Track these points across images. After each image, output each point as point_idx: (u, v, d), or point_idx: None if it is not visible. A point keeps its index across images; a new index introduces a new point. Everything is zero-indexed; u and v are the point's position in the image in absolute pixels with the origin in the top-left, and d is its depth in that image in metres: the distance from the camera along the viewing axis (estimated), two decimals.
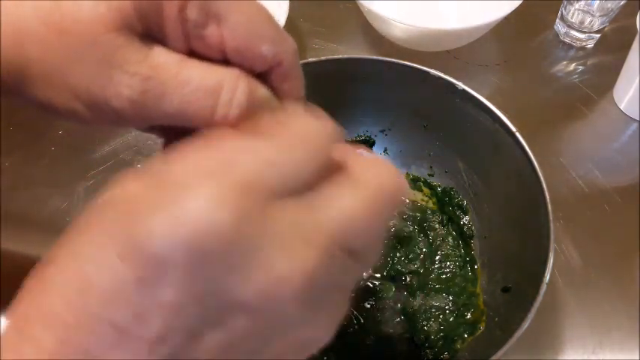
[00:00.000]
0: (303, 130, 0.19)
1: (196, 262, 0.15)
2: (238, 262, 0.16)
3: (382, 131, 0.52)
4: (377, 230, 0.20)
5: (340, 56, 0.47)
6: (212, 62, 0.22)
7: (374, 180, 0.19)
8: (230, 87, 0.21)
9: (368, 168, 0.20)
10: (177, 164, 0.17)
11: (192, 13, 0.21)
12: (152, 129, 0.26)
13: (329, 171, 0.19)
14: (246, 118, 0.22)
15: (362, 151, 0.22)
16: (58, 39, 0.20)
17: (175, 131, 0.25)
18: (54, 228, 0.53)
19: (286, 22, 0.58)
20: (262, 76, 0.24)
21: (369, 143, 0.53)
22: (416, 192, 0.53)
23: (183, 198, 0.16)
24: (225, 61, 0.23)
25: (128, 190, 0.17)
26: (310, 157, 0.18)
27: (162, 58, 0.21)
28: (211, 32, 0.22)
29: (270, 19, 0.23)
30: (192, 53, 0.22)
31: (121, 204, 0.17)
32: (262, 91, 0.23)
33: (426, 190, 0.52)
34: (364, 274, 0.49)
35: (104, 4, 0.20)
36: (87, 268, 0.16)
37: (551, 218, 0.38)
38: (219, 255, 0.15)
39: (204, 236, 0.15)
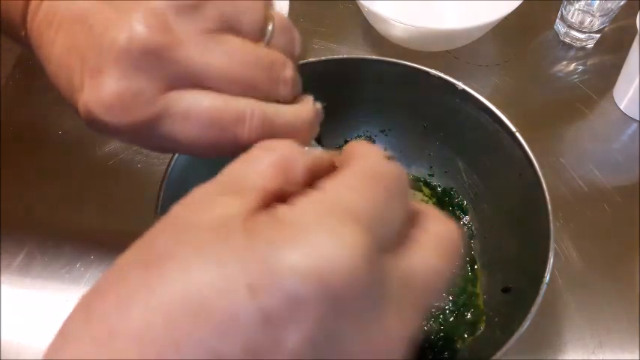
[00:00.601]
0: (392, 176, 0.19)
1: (330, 307, 0.14)
2: (365, 310, 0.15)
3: (382, 131, 0.52)
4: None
5: (340, 56, 0.47)
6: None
7: (444, 233, 0.19)
8: (245, 118, 0.23)
9: (438, 223, 0.20)
10: (296, 206, 0.16)
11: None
12: None
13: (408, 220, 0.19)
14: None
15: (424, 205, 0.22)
16: None
17: None
18: (54, 228, 0.53)
19: None
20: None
21: None
22: (416, 192, 0.53)
23: (325, 237, 0.14)
24: None
25: (232, 211, 0.16)
26: (403, 205, 0.18)
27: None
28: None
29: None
30: None
31: (252, 229, 0.15)
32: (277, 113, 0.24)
33: (426, 190, 0.52)
34: None
35: None
36: (204, 289, 0.14)
37: (551, 218, 0.38)
38: (352, 300, 0.14)
39: (347, 287, 0.14)
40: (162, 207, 0.39)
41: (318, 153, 0.20)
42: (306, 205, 0.16)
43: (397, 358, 0.16)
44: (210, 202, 0.17)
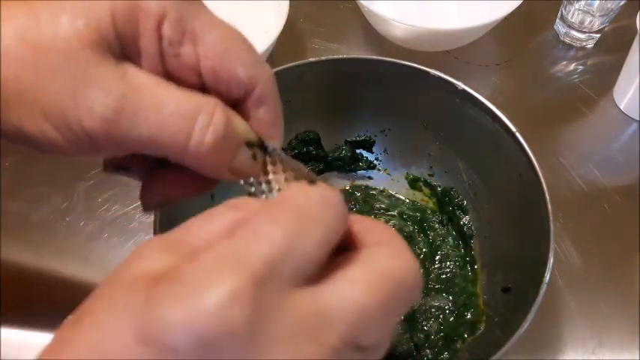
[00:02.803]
0: (315, 207, 0.18)
1: (203, 352, 0.15)
2: (240, 350, 0.16)
3: (382, 131, 0.52)
4: (389, 325, 0.19)
5: (340, 56, 0.47)
6: (189, 89, 0.21)
7: (388, 270, 0.18)
8: (207, 112, 0.21)
9: (381, 253, 0.19)
10: (198, 260, 0.17)
11: (168, 28, 0.21)
12: (123, 170, 0.26)
13: (340, 249, 0.19)
14: (221, 151, 0.22)
15: (373, 225, 0.21)
16: (33, 56, 0.20)
17: (151, 171, 0.25)
18: (54, 228, 0.53)
19: (286, 22, 0.58)
20: (238, 108, 0.23)
21: (369, 143, 0.53)
22: (416, 192, 0.53)
23: (201, 291, 0.16)
24: (200, 88, 0.22)
25: (154, 268, 0.17)
26: (326, 238, 0.18)
27: (139, 78, 0.21)
28: (187, 50, 0.21)
29: (245, 41, 0.23)
30: (168, 77, 0.22)
31: (145, 282, 0.17)
32: (239, 121, 0.23)
33: (426, 190, 0.52)
34: None
35: (82, 17, 0.20)
36: (106, 342, 0.16)
37: (551, 218, 0.38)
38: (227, 350, 0.16)
39: (216, 332, 0.15)
40: (162, 208, 0.39)
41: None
42: (206, 258, 0.17)
43: None
44: (145, 257, 0.18)
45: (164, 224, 0.38)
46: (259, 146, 0.24)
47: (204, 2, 0.23)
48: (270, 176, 0.24)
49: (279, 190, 0.24)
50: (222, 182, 0.25)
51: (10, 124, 0.21)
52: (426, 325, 0.45)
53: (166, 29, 0.21)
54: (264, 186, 0.24)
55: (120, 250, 0.52)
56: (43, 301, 0.49)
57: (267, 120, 0.24)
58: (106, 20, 0.20)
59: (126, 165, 0.25)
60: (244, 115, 0.23)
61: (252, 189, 0.25)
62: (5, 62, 0.20)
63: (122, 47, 0.21)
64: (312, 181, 0.22)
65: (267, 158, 0.24)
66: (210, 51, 0.22)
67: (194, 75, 0.22)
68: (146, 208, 0.26)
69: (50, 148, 0.22)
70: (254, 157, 0.23)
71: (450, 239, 0.50)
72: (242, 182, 0.24)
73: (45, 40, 0.20)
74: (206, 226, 0.19)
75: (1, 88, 0.20)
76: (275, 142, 0.25)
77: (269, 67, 0.24)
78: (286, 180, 0.25)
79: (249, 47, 0.23)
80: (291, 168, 0.25)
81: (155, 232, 0.38)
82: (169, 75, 0.22)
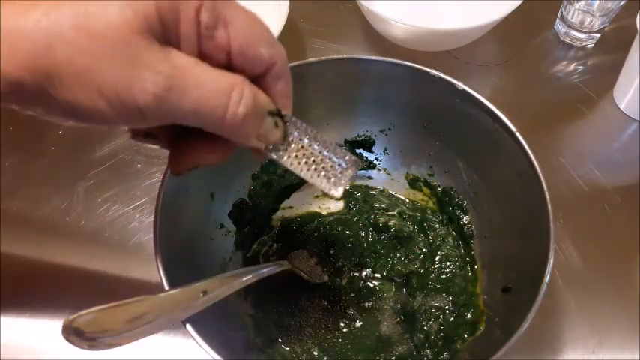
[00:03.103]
0: None
1: None
2: None
3: (382, 131, 0.52)
4: None
5: (340, 56, 0.47)
6: (220, 69, 0.25)
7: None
8: (239, 88, 0.25)
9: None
10: None
11: (205, 15, 0.25)
12: (151, 137, 0.29)
13: None
14: (251, 120, 0.26)
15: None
16: (87, 41, 0.23)
17: (176, 139, 0.29)
18: (54, 228, 0.53)
19: (286, 22, 0.58)
20: (257, 83, 0.27)
21: (369, 143, 0.53)
22: (416, 192, 0.53)
23: None
24: (227, 67, 0.26)
25: None
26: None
27: (181, 60, 0.24)
28: (220, 34, 0.25)
29: (265, 25, 0.27)
30: (201, 58, 0.25)
31: None
32: (263, 95, 0.27)
33: (426, 190, 0.52)
34: (364, 273, 0.49)
35: (130, 8, 0.23)
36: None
37: (551, 218, 0.38)
38: None
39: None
40: (162, 208, 0.39)
41: None
42: None
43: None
44: None
45: (164, 224, 0.38)
46: (278, 115, 0.29)
47: None
48: (290, 138, 0.30)
49: (298, 150, 0.30)
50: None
51: (64, 100, 0.24)
52: (425, 325, 0.45)
53: (204, 16, 0.25)
54: (282, 148, 0.30)
55: (120, 250, 0.52)
56: (43, 300, 0.49)
57: (284, 92, 0.29)
58: (152, 10, 0.23)
59: (154, 133, 0.29)
60: (264, 89, 0.28)
61: (273, 155, 0.30)
62: (59, 47, 0.23)
63: (165, 33, 0.24)
64: (323, 141, 0.30)
65: (287, 125, 0.29)
66: (239, 33, 0.26)
67: (224, 55, 0.26)
68: (175, 173, 0.30)
69: (100, 121, 0.25)
70: (276, 125, 0.28)
71: (450, 239, 0.50)
72: (263, 147, 0.29)
73: (99, 29, 0.23)
74: None
75: (56, 69, 0.23)
76: (289, 111, 0.29)
77: (282, 46, 0.28)
78: (301, 142, 0.30)
79: (268, 30, 0.27)
80: (304, 132, 0.30)
81: (155, 232, 0.38)
82: (203, 56, 0.25)
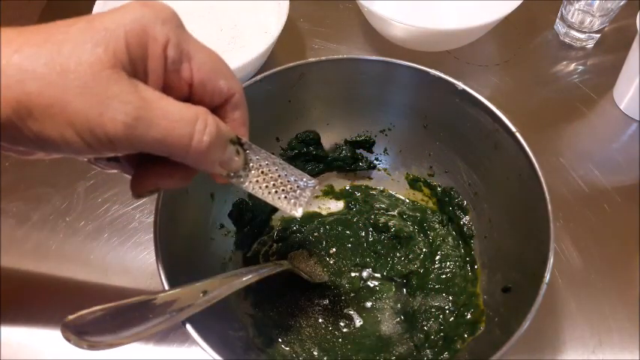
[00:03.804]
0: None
1: None
2: None
3: (382, 131, 0.52)
4: None
5: (340, 56, 0.47)
6: (183, 102, 0.27)
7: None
8: (203, 118, 0.27)
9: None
10: None
11: (172, 51, 0.27)
12: (114, 161, 0.31)
13: None
14: (215, 148, 0.28)
15: None
16: (59, 76, 0.24)
17: (139, 163, 0.31)
18: (54, 228, 0.53)
19: (286, 22, 0.58)
20: (216, 113, 0.29)
21: (369, 143, 0.53)
22: (416, 192, 0.53)
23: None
24: (188, 99, 0.28)
25: None
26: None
27: (149, 93, 0.26)
28: (185, 67, 0.28)
29: (223, 60, 0.30)
30: (165, 89, 0.27)
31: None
32: (224, 124, 0.29)
33: (426, 190, 0.52)
34: (364, 273, 0.49)
35: (101, 46, 0.25)
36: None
37: (551, 218, 0.38)
38: None
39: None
40: (162, 208, 0.39)
41: None
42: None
43: None
44: None
45: (164, 224, 0.39)
46: (239, 143, 0.30)
47: (210, 3, 0.28)
48: (251, 164, 0.32)
49: (259, 175, 0.32)
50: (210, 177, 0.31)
51: (32, 132, 0.25)
52: (425, 325, 0.45)
53: (170, 51, 0.27)
54: (243, 174, 0.31)
55: (120, 250, 0.52)
56: (43, 301, 0.49)
57: (242, 120, 0.31)
58: (121, 46, 0.25)
59: (117, 157, 0.31)
60: (222, 119, 0.30)
61: (235, 181, 0.31)
62: (30, 81, 0.24)
63: (133, 67, 0.26)
64: (281, 165, 0.32)
65: (247, 152, 0.31)
66: (201, 67, 0.28)
67: (187, 87, 0.28)
68: (136, 196, 0.31)
69: (68, 151, 0.26)
70: (237, 152, 0.30)
71: (450, 239, 0.50)
72: (225, 174, 0.31)
73: (71, 65, 0.24)
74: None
75: (26, 102, 0.24)
76: (246, 138, 0.31)
77: (238, 80, 0.31)
78: (261, 167, 0.32)
79: (226, 64, 0.30)
80: (264, 158, 0.32)
81: (155, 232, 0.38)
82: (167, 88, 0.27)
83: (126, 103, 0.24)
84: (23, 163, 0.57)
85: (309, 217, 0.52)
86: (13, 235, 0.53)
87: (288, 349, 0.44)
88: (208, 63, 0.28)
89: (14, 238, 0.53)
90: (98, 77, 0.24)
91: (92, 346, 0.29)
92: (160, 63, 0.27)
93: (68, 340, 0.28)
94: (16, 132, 0.25)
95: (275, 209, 0.52)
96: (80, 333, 0.29)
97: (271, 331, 0.45)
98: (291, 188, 0.33)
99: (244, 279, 0.39)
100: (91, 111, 0.24)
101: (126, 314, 0.31)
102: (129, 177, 0.31)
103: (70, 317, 0.29)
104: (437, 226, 0.51)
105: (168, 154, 0.27)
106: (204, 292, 0.35)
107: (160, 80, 0.27)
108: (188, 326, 0.34)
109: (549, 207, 0.38)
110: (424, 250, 0.49)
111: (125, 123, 0.24)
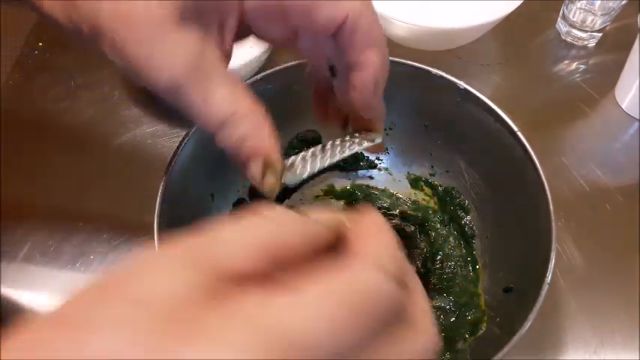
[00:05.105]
0: (373, 304, 0.16)
1: None
2: None
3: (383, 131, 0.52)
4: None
5: None
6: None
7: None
8: (240, 115, 0.28)
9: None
10: (221, 309, 0.15)
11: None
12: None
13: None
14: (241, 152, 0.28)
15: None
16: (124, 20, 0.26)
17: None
18: (54, 228, 0.53)
19: None
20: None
21: None
22: (417, 192, 0.53)
23: (207, 344, 0.14)
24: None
25: (175, 293, 0.15)
26: (368, 332, 0.16)
27: (207, 61, 0.28)
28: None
29: None
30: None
31: (165, 326, 0.14)
32: (269, 139, 0.29)
33: (427, 189, 0.52)
34: None
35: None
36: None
37: (552, 218, 0.38)
38: None
39: None
40: (162, 208, 0.39)
41: (321, 229, 0.18)
42: (232, 314, 0.14)
43: None
44: (160, 273, 0.16)
45: (164, 224, 0.38)
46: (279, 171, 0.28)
47: None
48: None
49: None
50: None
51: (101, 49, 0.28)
52: None
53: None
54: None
55: (120, 250, 0.52)
56: (42, 300, 0.49)
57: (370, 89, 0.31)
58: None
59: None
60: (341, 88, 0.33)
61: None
62: (102, 18, 0.26)
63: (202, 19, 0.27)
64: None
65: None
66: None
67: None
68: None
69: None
70: (263, 175, 0.28)
71: (451, 239, 0.49)
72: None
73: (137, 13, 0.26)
74: (231, 243, 0.17)
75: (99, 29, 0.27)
76: (380, 131, 0.35)
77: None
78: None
79: None
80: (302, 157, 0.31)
81: (155, 232, 0.38)
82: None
83: (173, 65, 0.26)
84: (23, 162, 0.57)
85: None
86: (13, 234, 0.53)
87: None
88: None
89: (14, 238, 0.52)
90: (161, 30, 0.26)
91: None
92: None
93: None
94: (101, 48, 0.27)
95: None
96: None
97: None
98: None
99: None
100: (143, 54, 0.26)
101: None
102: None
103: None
104: (438, 225, 0.50)
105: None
106: None
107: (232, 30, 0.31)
108: None
109: (551, 206, 0.38)
110: (425, 250, 0.49)
111: (168, 81, 0.27)
